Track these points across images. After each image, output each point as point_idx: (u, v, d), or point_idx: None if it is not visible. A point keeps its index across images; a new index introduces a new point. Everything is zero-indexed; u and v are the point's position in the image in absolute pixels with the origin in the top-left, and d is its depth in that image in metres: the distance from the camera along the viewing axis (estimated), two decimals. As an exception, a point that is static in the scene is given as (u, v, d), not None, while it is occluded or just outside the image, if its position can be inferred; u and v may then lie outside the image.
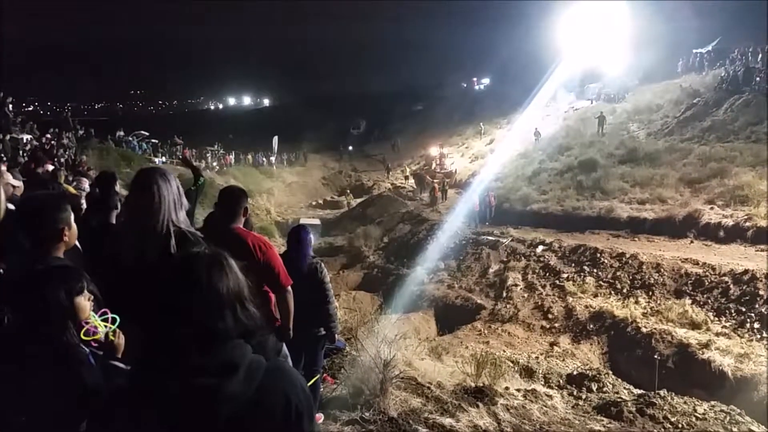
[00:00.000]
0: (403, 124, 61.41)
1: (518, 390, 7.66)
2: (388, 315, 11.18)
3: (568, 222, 20.08)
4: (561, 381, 9.85)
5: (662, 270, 14.30)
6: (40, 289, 1.89)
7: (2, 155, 13.75)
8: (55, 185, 6.99)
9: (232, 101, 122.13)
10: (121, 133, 34.62)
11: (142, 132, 37.72)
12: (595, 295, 14.29)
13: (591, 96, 40.52)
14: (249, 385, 1.30)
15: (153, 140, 37.65)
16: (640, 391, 9.51)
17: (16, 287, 1.92)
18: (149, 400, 1.27)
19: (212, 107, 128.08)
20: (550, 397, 8.10)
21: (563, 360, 11.67)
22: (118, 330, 2.07)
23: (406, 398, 5.42)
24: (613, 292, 14.34)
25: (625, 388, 9.88)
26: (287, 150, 52.34)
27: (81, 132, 27.29)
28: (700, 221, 16.87)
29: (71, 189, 5.94)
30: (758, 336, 11.21)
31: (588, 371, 10.43)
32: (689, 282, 13.54)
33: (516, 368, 10.00)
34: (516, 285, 16.12)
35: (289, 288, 3.26)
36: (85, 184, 6.96)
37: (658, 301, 13.36)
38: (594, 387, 9.48)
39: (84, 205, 4.73)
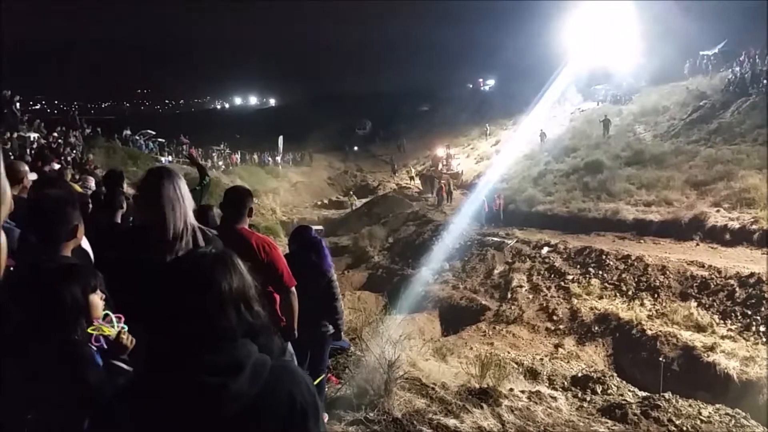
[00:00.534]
0: (409, 124, 62.01)
1: (522, 391, 7.65)
2: (393, 315, 11.06)
3: (574, 223, 19.91)
4: (565, 383, 9.81)
5: (668, 272, 14.11)
6: (54, 285, 1.88)
7: (10, 153, 13.77)
8: (64, 183, 7.03)
9: (238, 101, 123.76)
10: (128, 132, 34.93)
11: (149, 131, 37.98)
12: (601, 297, 14.13)
13: (598, 97, 40.27)
14: (254, 384, 1.29)
15: (159, 139, 37.97)
16: (644, 394, 9.45)
17: (27, 283, 1.90)
18: (155, 399, 1.27)
19: (218, 107, 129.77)
20: (555, 398, 8.09)
21: (568, 362, 11.61)
22: (127, 331, 2.06)
23: (411, 399, 5.41)
24: (618, 294, 14.17)
25: (629, 390, 9.82)
26: (293, 150, 52.70)
27: (88, 130, 27.52)
28: (706, 224, 16.69)
29: (77, 187, 5.90)
30: (764, 339, 11.09)
31: (593, 373, 10.38)
32: (695, 285, 13.37)
33: (520, 370, 9.98)
34: (521, 286, 15.97)
35: (293, 288, 3.25)
36: (92, 182, 7.00)
37: (664, 304, 13.21)
38: (599, 389, 9.43)
39: (90, 204, 4.72)
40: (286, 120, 67.45)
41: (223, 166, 40.82)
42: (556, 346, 12.69)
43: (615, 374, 10.70)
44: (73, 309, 1.88)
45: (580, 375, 10.18)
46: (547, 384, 9.53)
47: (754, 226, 15.66)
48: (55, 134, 20.95)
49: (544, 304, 14.63)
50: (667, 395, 8.85)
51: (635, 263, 15.07)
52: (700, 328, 11.93)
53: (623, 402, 8.43)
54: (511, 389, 7.45)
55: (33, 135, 18.40)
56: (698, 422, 7.87)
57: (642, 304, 13.46)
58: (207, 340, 1.29)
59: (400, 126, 62.52)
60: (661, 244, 16.91)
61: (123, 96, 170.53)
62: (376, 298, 15.75)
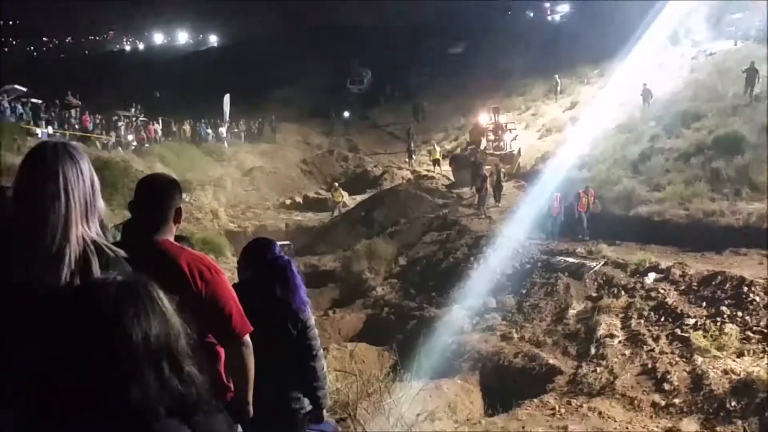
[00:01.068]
0: (432, 76, 46.26)
1: None
2: (407, 382, 9.52)
3: (697, 235, 17.17)
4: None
5: None
6: None
7: None
8: None
9: (159, 38, 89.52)
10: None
11: (17, 87, 27.92)
12: (740, 354, 11.75)
13: (737, 34, 31.93)
14: None
15: (33, 100, 28.36)
16: None
17: None
18: None
19: (127, 48, 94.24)
20: None
21: (689, 459, 9.85)
22: None
23: None
24: (768, 350, 11.66)
25: None
26: (247, 116, 39.70)
27: None
28: None
29: None
30: None
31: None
32: None
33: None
34: (612, 336, 13.41)
35: (248, 338, 2.64)
36: None
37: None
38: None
39: None
40: (237, 70, 51.03)
41: (135, 143, 31.10)
42: (670, 432, 10.60)
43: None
44: None
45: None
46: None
47: None
48: None
49: (650, 365, 12.15)
50: None
51: (797, 301, 12.56)
52: None
53: None
54: None
55: None
56: None
57: (809, 366, 10.91)
58: (106, 418, 1.06)
59: (419, 78, 45.72)
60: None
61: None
62: (379, 354, 13.68)
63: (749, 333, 12.13)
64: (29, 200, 1.83)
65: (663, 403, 11.10)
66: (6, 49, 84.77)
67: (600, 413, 11.12)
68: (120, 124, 32.11)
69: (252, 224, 24.53)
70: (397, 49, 52.41)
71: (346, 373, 8.74)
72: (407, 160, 33.55)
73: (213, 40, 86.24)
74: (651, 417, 10.97)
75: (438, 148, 31.96)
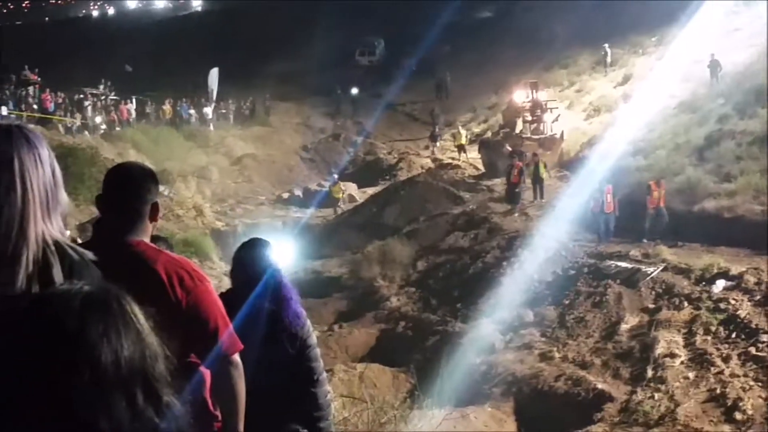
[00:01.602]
0: (456, 46, 41.21)
1: None
2: (426, 410, 9.40)
3: None
4: None
5: None
6: None
7: None
8: None
9: (132, 2, 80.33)
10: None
11: None
12: None
13: None
14: None
15: None
16: None
17: None
18: None
19: (95, 13, 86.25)
20: None
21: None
22: None
23: None
24: None
25: None
26: (236, 94, 36.00)
27: None
28: None
29: None
30: None
31: None
32: None
33: None
34: (672, 355, 12.43)
35: (237, 358, 2.51)
36: None
37: None
38: None
39: None
40: (224, 38, 45.95)
41: (104, 126, 28.25)
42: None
43: None
44: None
45: None
46: None
47: None
48: None
49: (718, 390, 11.16)
50: None
51: None
52: None
53: None
54: None
55: None
56: None
57: None
58: None
59: (440, 48, 40.00)
60: None
61: None
62: (393, 376, 12.76)
63: (839, 353, 11.11)
64: None
65: (735, 434, 10.29)
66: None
67: (659, 447, 10.28)
68: (86, 103, 28.75)
69: (242, 222, 22.47)
70: (415, 13, 44.10)
71: (355, 399, 8.50)
72: (430, 145, 30.19)
73: (196, 3, 75.35)
74: (720, 451, 10.09)
75: (464, 132, 29.16)
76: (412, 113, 36.94)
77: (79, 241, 2.50)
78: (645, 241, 17.00)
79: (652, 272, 15.14)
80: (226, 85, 33.79)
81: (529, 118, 26.41)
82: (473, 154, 26.90)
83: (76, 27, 65.73)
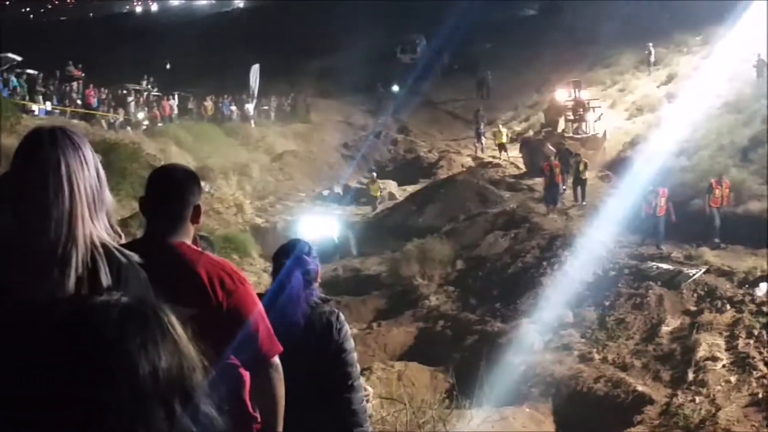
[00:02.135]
0: (497, 44, 41.69)
1: None
2: (465, 410, 9.29)
3: None
4: None
5: None
6: None
7: None
8: None
9: (174, 0, 79.99)
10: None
11: (10, 56, 25.66)
12: None
13: None
14: None
15: (29, 71, 26.28)
16: None
17: None
18: None
19: (138, 9, 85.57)
20: None
21: None
22: None
23: None
24: None
25: None
26: (278, 91, 35.70)
27: None
28: None
29: None
30: None
31: None
32: None
33: None
34: (714, 358, 12.32)
35: (277, 361, 2.50)
36: None
37: None
38: None
39: None
40: (265, 35, 45.77)
41: (146, 122, 28.08)
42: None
43: None
44: None
45: None
46: None
47: None
48: None
49: (760, 395, 11.23)
50: None
51: None
52: None
53: None
54: None
55: None
56: None
57: None
58: None
59: (482, 46, 40.80)
60: None
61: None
62: (432, 376, 12.63)
63: None
64: (26, 194, 1.73)
65: (780, 441, 9.94)
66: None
67: (700, 452, 10.23)
68: (129, 99, 28.81)
69: (282, 219, 22.08)
70: (457, 11, 41.75)
71: (393, 399, 8.51)
72: (476, 144, 29.88)
73: (238, 0, 74.22)
74: (761, 458, 9.95)
75: (505, 130, 28.91)
76: (453, 111, 36.68)
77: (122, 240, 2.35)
78: (716, 240, 16.66)
79: (694, 274, 15.04)
80: (267, 81, 33.59)
81: (572, 117, 26.16)
82: (514, 153, 26.67)
83: (120, 23, 66.16)
